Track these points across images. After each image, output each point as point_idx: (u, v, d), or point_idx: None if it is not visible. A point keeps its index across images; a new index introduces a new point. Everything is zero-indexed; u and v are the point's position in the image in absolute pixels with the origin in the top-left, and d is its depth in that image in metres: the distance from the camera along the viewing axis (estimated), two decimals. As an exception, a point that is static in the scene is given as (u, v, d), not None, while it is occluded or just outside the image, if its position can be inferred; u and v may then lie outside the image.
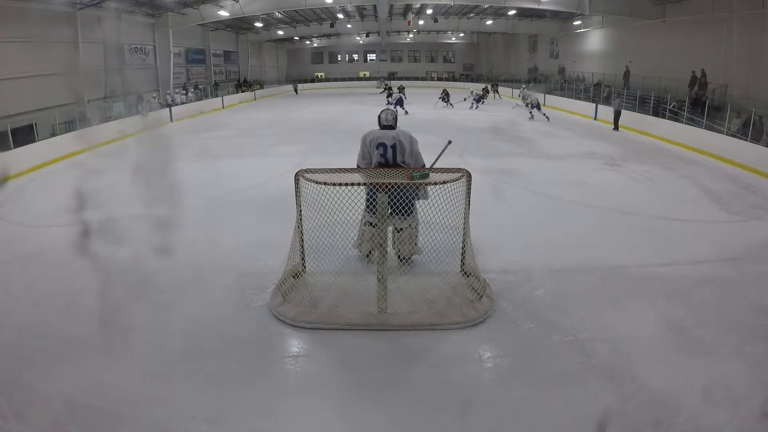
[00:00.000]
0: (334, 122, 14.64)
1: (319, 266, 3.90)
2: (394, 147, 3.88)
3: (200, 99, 19.13)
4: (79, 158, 9.61)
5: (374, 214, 3.48)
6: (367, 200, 3.83)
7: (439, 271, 3.76)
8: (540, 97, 16.87)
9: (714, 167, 8.56)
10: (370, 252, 4.16)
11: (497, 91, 23.02)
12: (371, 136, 3.96)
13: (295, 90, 29.33)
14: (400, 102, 17.03)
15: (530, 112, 15.18)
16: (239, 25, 24.10)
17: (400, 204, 3.45)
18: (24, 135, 9.07)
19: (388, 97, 18.31)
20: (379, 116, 4.06)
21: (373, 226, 3.59)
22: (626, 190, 6.90)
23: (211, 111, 18.74)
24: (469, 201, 3.69)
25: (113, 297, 3.76)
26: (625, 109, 13.62)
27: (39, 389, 2.68)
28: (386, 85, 20.10)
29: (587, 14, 17.04)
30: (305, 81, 32.03)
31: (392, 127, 3.99)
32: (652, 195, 6.70)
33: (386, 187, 3.33)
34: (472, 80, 28.73)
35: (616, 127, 13.03)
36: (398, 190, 3.37)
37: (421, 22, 25.34)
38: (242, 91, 23.72)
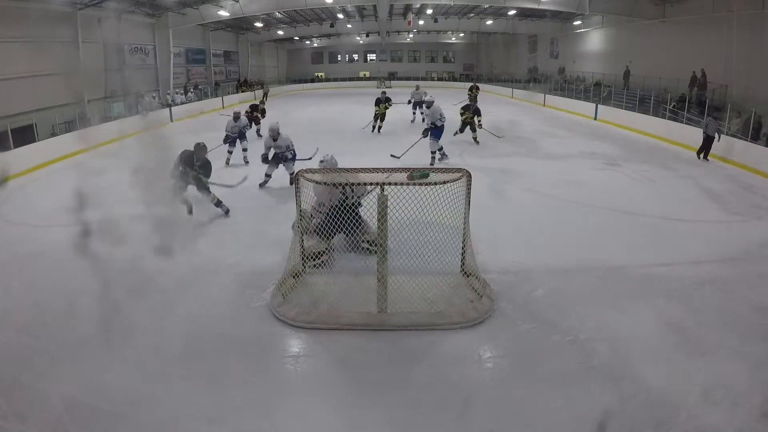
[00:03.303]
0: (334, 122, 14.62)
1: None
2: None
3: (200, 99, 19.12)
4: (79, 158, 9.60)
5: (327, 239, 3.97)
6: (323, 226, 3.87)
7: (439, 271, 3.76)
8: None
9: (714, 167, 8.55)
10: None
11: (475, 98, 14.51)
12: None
13: (265, 96, 21.03)
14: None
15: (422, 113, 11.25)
16: (239, 25, 24.08)
17: (354, 221, 3.66)
18: (24, 135, 9.07)
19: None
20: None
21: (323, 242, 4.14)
22: (626, 190, 6.90)
23: (211, 111, 18.72)
24: (469, 201, 3.69)
25: (113, 297, 3.76)
26: (625, 108, 13.58)
27: (39, 389, 2.68)
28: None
29: (587, 14, 17.02)
30: (305, 81, 31.96)
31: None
32: (652, 195, 6.69)
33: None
34: (472, 80, 28.70)
35: (705, 156, 9.00)
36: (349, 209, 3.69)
37: (421, 22, 25.32)
38: (242, 92, 23.69)
